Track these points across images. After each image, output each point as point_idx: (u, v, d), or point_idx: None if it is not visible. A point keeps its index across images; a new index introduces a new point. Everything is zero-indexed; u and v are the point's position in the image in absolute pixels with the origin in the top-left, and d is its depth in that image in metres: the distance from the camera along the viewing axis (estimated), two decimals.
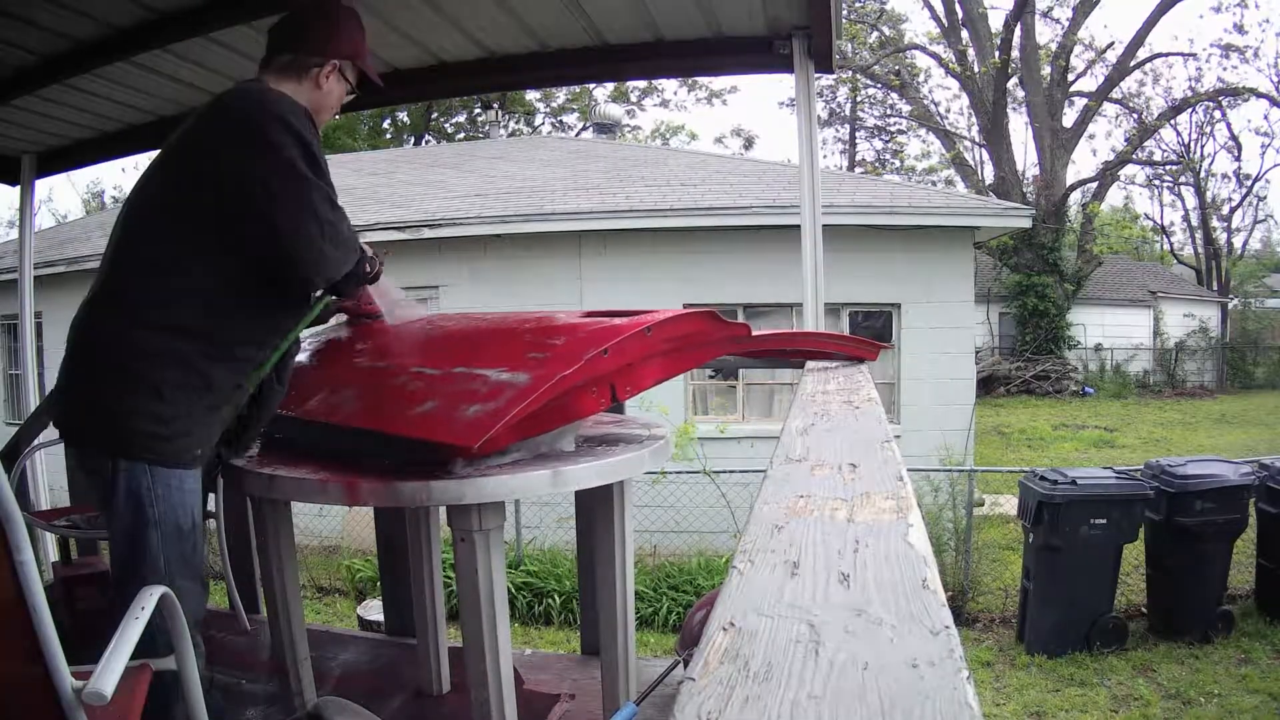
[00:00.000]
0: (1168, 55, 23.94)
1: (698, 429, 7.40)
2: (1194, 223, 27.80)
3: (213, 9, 2.72)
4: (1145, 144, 23.36)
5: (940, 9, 22.07)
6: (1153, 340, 21.82)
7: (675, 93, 28.66)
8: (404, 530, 2.34)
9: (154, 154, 1.74)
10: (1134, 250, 28.23)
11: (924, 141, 30.70)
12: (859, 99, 28.58)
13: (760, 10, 2.87)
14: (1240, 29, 24.34)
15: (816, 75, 3.02)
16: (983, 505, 7.95)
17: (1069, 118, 21.80)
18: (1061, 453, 12.56)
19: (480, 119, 23.54)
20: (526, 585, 6.72)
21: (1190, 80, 24.35)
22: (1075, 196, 22.21)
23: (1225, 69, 30.24)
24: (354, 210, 9.94)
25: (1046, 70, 21.08)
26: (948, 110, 26.63)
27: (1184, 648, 5.44)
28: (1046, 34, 22.30)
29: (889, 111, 29.25)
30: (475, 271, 8.81)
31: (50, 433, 3.25)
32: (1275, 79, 25.99)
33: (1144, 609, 5.91)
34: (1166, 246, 30.72)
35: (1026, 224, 10.17)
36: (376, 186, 11.25)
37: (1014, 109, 21.84)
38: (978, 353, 15.88)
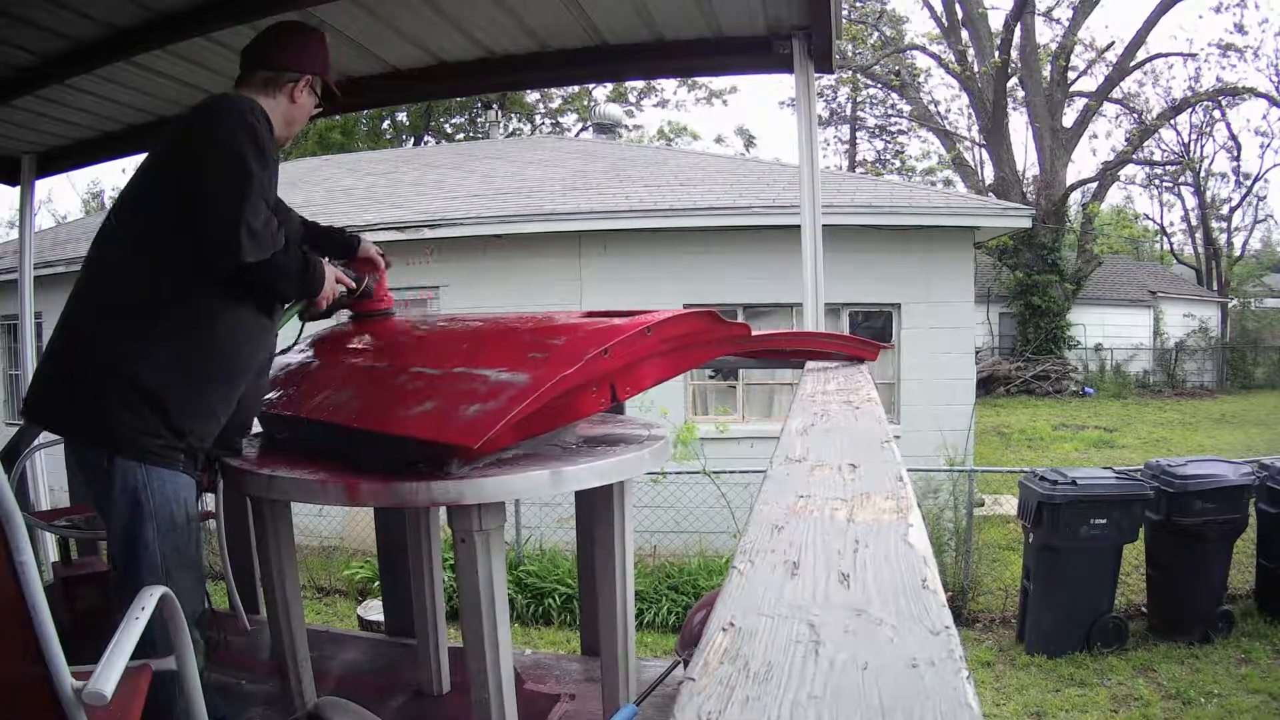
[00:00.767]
0: (1168, 55, 24.05)
1: (698, 429, 7.40)
2: (1194, 223, 27.82)
3: (213, 9, 2.72)
4: (1145, 144, 23.37)
5: (940, 9, 22.09)
6: (1153, 340, 21.81)
7: (675, 93, 28.70)
8: (404, 530, 2.34)
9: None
10: (1134, 250, 28.24)
11: (924, 141, 30.73)
12: (859, 99, 28.60)
13: (760, 10, 2.87)
14: (1240, 29, 24.38)
15: (816, 75, 3.02)
16: (983, 505, 7.95)
17: (1069, 118, 21.81)
18: (1061, 453, 12.56)
19: (480, 119, 23.54)
20: (526, 585, 6.72)
21: (1190, 80, 24.37)
22: (1075, 196, 22.23)
23: (1225, 69, 30.26)
24: (354, 211, 9.99)
25: (1046, 70, 21.08)
26: (948, 110, 26.64)
27: (1184, 648, 5.44)
28: (1046, 34, 22.34)
29: (889, 111, 29.28)
30: (475, 271, 8.81)
31: (50, 433, 3.26)
32: (1275, 79, 25.99)
33: (1144, 609, 5.91)
34: (1166, 246, 30.74)
35: (1026, 224, 10.17)
36: (376, 186, 11.26)
37: (1014, 109, 21.86)
38: (978, 353, 15.88)
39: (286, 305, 1.87)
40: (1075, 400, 18.46)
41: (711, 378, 8.85)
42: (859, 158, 30.45)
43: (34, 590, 1.18)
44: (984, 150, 22.58)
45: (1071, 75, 21.85)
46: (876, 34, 23.46)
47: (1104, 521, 5.25)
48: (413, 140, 26.12)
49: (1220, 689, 4.91)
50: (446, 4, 2.85)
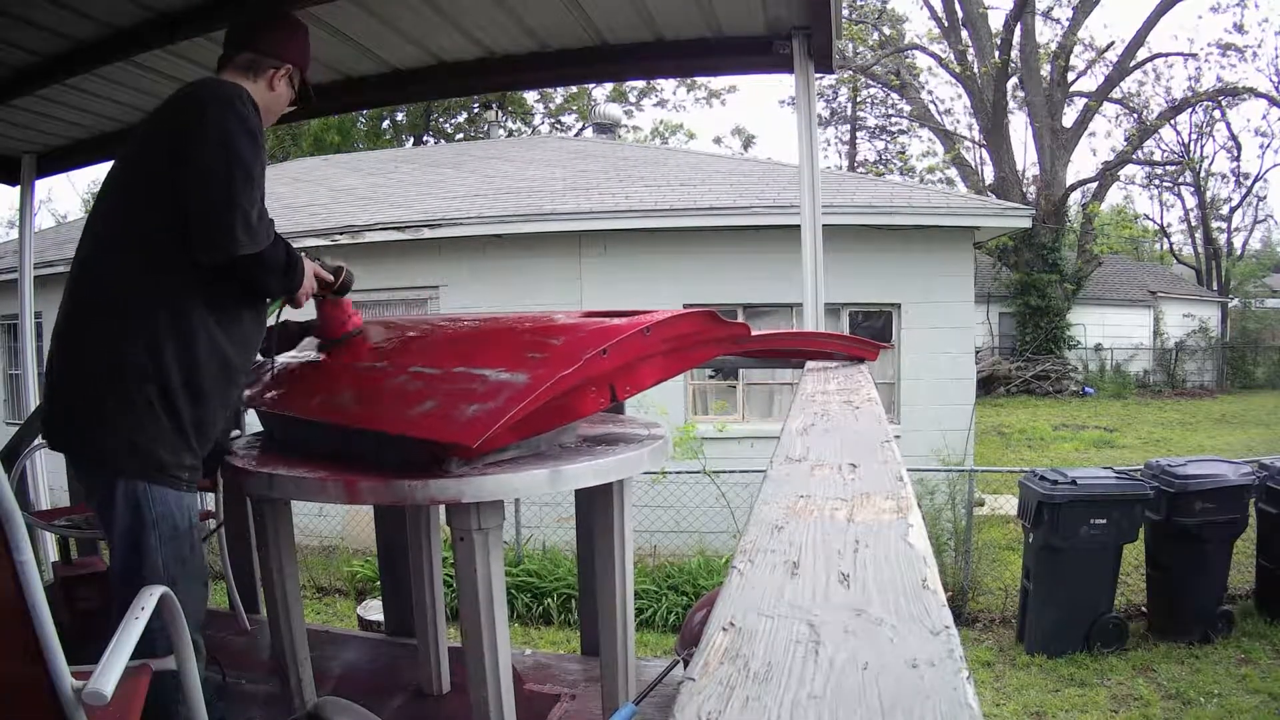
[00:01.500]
0: (1167, 55, 24.04)
1: (698, 429, 7.40)
2: (1194, 223, 27.84)
3: (213, 9, 2.72)
4: (1145, 144, 23.37)
5: (940, 9, 22.08)
6: (1153, 340, 21.82)
7: (674, 92, 28.70)
8: (404, 530, 2.34)
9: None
10: (1134, 250, 28.24)
11: (924, 141, 30.71)
12: (859, 99, 28.60)
13: (760, 10, 2.87)
14: (1240, 29, 24.38)
15: (816, 75, 3.02)
16: (983, 505, 7.95)
17: (1069, 118, 21.82)
18: (1061, 453, 12.56)
19: (480, 119, 23.54)
20: (526, 585, 6.71)
21: (1190, 80, 24.35)
22: (1075, 196, 22.23)
23: (1225, 69, 30.24)
24: (354, 211, 9.99)
25: (1046, 70, 21.08)
26: (948, 110, 26.67)
27: (1184, 648, 5.44)
28: (1046, 34, 22.34)
29: (889, 111, 29.28)
30: (475, 271, 8.81)
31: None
32: (1275, 79, 25.98)
33: (1144, 609, 5.91)
34: (1166, 246, 30.74)
35: (1026, 224, 10.17)
36: (376, 186, 11.26)
37: (1014, 109, 21.86)
38: (978, 353, 15.88)
39: (269, 302, 1.83)
40: (1075, 400, 18.46)
41: (711, 377, 8.85)
42: (859, 158, 30.46)
43: (34, 590, 1.18)
44: (984, 150, 22.59)
45: (1071, 75, 21.86)
46: (876, 34, 23.46)
47: (1104, 521, 5.25)
48: (413, 140, 26.12)
49: (1220, 689, 4.90)
50: (446, 4, 2.85)
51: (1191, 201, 27.21)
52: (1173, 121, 23.74)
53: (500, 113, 23.41)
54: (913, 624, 0.64)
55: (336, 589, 7.27)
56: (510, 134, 22.90)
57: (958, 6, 21.43)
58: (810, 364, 2.47)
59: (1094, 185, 22.60)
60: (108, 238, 1.64)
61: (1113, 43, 22.44)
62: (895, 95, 26.49)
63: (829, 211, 6.70)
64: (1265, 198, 40.21)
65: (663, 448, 1.79)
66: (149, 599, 1.35)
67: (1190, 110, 23.62)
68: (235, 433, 2.03)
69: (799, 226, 3.01)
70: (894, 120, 29.54)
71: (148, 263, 1.59)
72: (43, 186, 11.66)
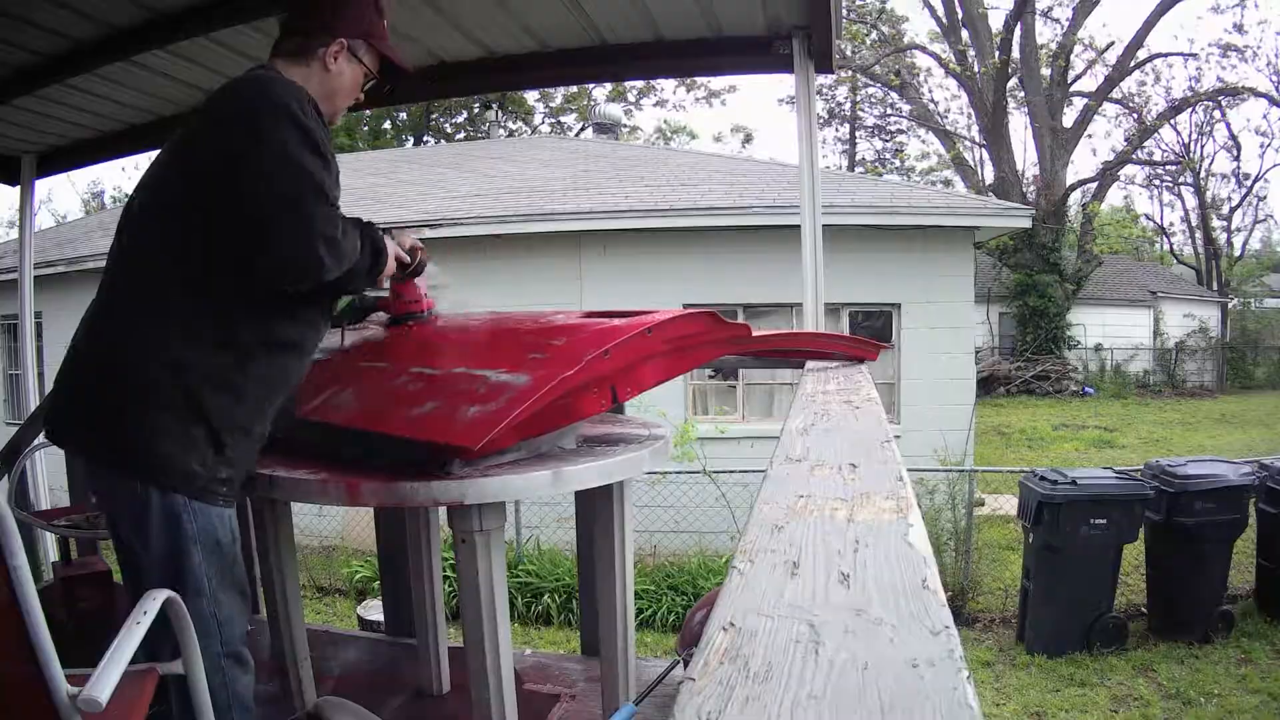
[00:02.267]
0: (1167, 55, 23.95)
1: (698, 429, 7.40)
2: (1194, 223, 27.82)
3: (213, 9, 2.72)
4: (1145, 144, 23.36)
5: (940, 9, 22.09)
6: (1153, 340, 21.82)
7: (674, 92, 28.69)
8: (404, 530, 2.34)
9: (155, 153, 1.66)
10: (1134, 250, 28.22)
11: (924, 141, 30.73)
12: (859, 99, 28.59)
13: (760, 10, 2.87)
14: (1240, 29, 24.38)
15: (816, 75, 3.02)
16: (983, 505, 7.95)
17: (1069, 118, 21.81)
18: (1061, 453, 12.56)
19: (480, 119, 23.54)
20: (526, 585, 6.72)
21: (1190, 80, 24.35)
22: (1075, 196, 22.23)
23: (1225, 69, 30.22)
24: (354, 211, 9.94)
25: (1046, 70, 21.08)
26: (948, 110, 26.63)
27: (1184, 648, 5.44)
28: (1046, 34, 22.33)
29: (889, 111, 29.27)
30: (475, 271, 8.81)
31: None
32: (1275, 79, 25.97)
33: (1144, 609, 5.91)
34: (1166, 246, 30.73)
35: (1026, 224, 10.17)
36: (376, 186, 11.26)
37: (1014, 109, 21.86)
38: (978, 353, 15.88)
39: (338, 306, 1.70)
40: (1075, 400, 18.46)
41: (711, 378, 8.85)
42: (859, 157, 30.47)
43: (28, 595, 1.16)
44: (984, 150, 22.59)
45: (1071, 75, 21.85)
46: (876, 33, 23.46)
47: (1104, 521, 5.25)
48: (413, 140, 26.12)
49: (1220, 689, 4.90)
50: (446, 4, 2.85)
51: (1191, 201, 27.22)
52: (1173, 121, 23.74)
53: (500, 113, 23.42)
54: (913, 624, 0.65)
55: (336, 589, 7.27)
56: (510, 134, 22.90)
57: (958, 6, 21.43)
58: (810, 364, 2.47)
59: (1094, 185, 22.61)
60: (148, 234, 1.51)
61: (1113, 43, 22.47)
62: (895, 95, 26.51)
63: (829, 211, 6.70)
64: (1265, 198, 40.15)
65: (663, 448, 1.79)
66: (152, 604, 1.32)
67: (1190, 110, 23.63)
68: None
69: (799, 226, 3.01)
70: (893, 120, 29.56)
71: (190, 266, 1.45)
72: (43, 186, 11.65)
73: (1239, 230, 28.11)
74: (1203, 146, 25.41)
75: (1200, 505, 5.33)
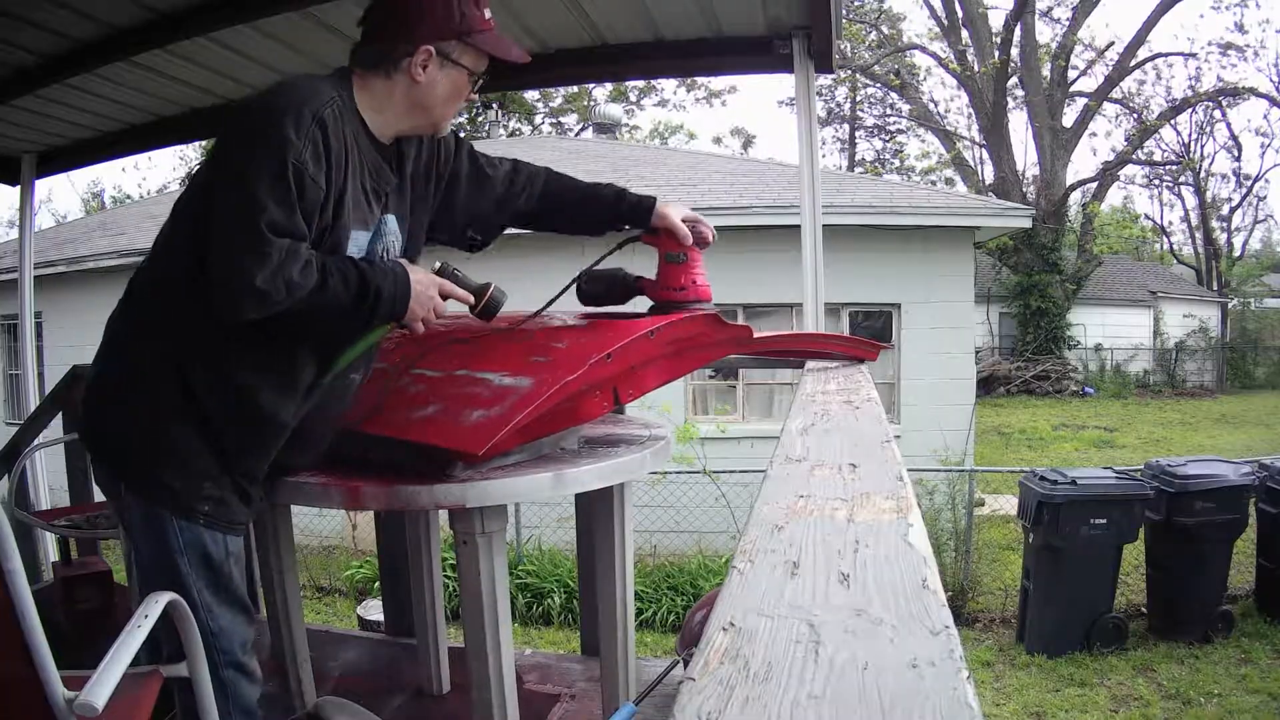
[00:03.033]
0: (1168, 55, 23.98)
1: (698, 429, 7.40)
2: (1194, 223, 27.82)
3: (213, 9, 2.72)
4: (1145, 144, 23.36)
5: (940, 9, 22.08)
6: (1153, 340, 21.81)
7: (674, 92, 28.68)
8: (404, 530, 2.34)
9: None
10: (1134, 250, 28.23)
11: (924, 141, 30.71)
12: (858, 99, 28.59)
13: (760, 10, 2.87)
14: (1240, 28, 24.38)
15: (816, 75, 3.02)
16: (983, 505, 7.95)
17: (1069, 118, 21.82)
18: (1061, 453, 12.56)
19: (480, 119, 23.54)
20: (526, 585, 6.72)
21: (1190, 80, 24.35)
22: (1075, 196, 22.22)
23: (1225, 69, 30.23)
24: None
25: (1046, 70, 21.08)
26: (947, 110, 26.64)
27: (1184, 648, 5.44)
28: (1046, 34, 22.33)
29: (889, 111, 29.27)
30: (475, 272, 8.80)
31: (50, 432, 3.26)
32: (1275, 79, 26.00)
33: (1144, 609, 5.91)
34: (1166, 246, 30.73)
35: (1026, 224, 10.18)
36: None
37: (1014, 109, 21.86)
38: (978, 353, 15.88)
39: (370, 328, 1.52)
40: (1075, 400, 18.46)
41: (711, 378, 8.85)
42: (858, 157, 30.45)
43: (23, 599, 1.15)
44: (984, 150, 22.59)
45: (1071, 75, 21.86)
46: (875, 33, 23.46)
47: (1104, 521, 5.24)
48: None
49: (1220, 689, 4.90)
50: None
51: (1191, 201, 27.22)
52: (1173, 121, 23.74)
53: (500, 113, 23.41)
54: (913, 624, 0.65)
55: (336, 589, 7.27)
56: (510, 134, 22.89)
57: (958, 6, 21.43)
58: (810, 364, 2.47)
59: (1094, 185, 22.61)
60: (163, 245, 1.46)
61: (1113, 42, 22.47)
62: (895, 95, 26.51)
63: (829, 211, 6.70)
64: (1265, 198, 40.19)
65: (664, 449, 1.79)
66: (154, 607, 1.31)
67: (1190, 110, 23.62)
68: None
69: (799, 226, 3.01)
70: (893, 120, 29.56)
71: (190, 288, 1.36)
72: (43, 186, 11.64)
73: (1239, 230, 28.15)
74: (1203, 146, 25.43)
75: (1200, 505, 5.33)
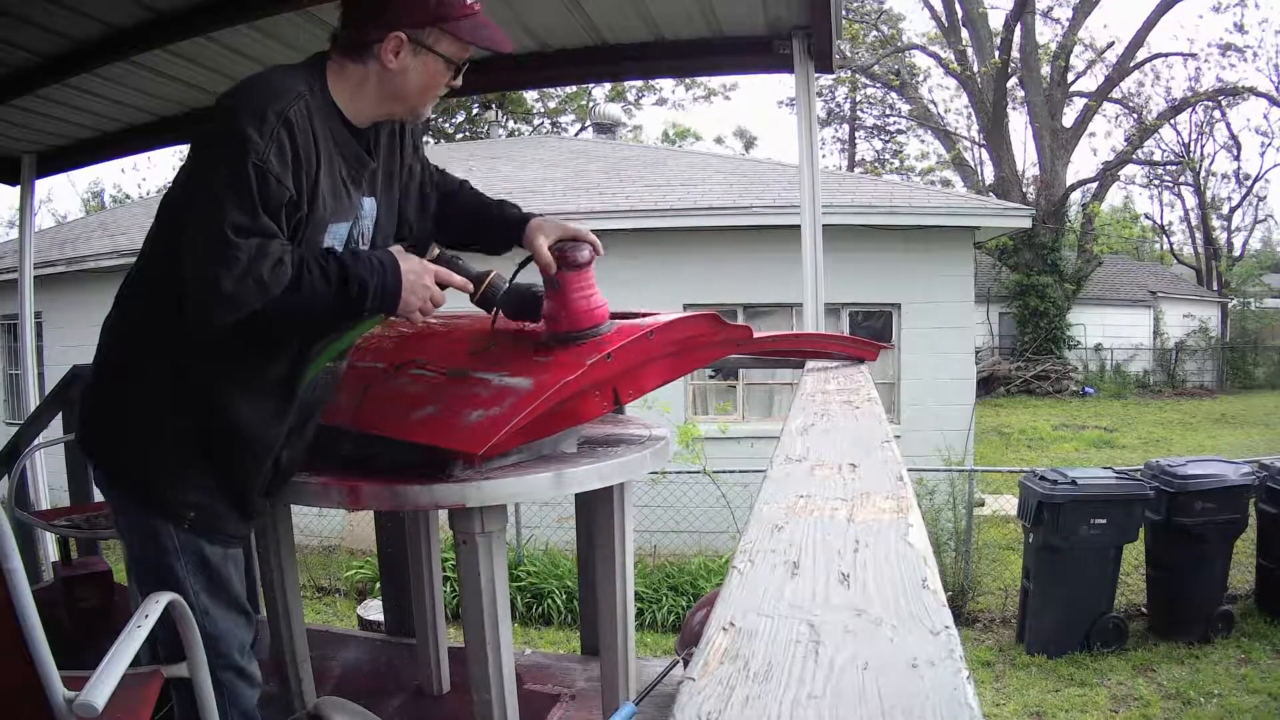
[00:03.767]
0: (1167, 55, 23.96)
1: (698, 429, 7.41)
2: (1194, 223, 27.82)
3: (213, 9, 2.72)
4: (1145, 144, 23.37)
5: (940, 9, 22.08)
6: (1153, 340, 21.81)
7: (674, 91, 28.67)
8: (404, 531, 2.34)
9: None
10: (1134, 250, 28.23)
11: (924, 141, 30.71)
12: (858, 99, 28.59)
13: (760, 10, 2.87)
14: (1240, 28, 24.38)
15: (816, 75, 3.02)
16: (983, 505, 7.95)
17: (1069, 118, 21.82)
18: (1061, 453, 12.56)
19: (480, 119, 23.54)
20: (526, 586, 6.72)
21: (1190, 80, 24.35)
22: (1075, 196, 22.22)
23: (1225, 69, 30.23)
24: None
25: (1046, 70, 21.08)
26: (947, 110, 26.63)
27: (1184, 648, 5.44)
28: (1046, 34, 22.32)
29: (888, 111, 29.26)
30: None
31: (50, 432, 3.26)
32: (1275, 79, 25.99)
33: (1144, 609, 5.91)
34: (1166, 246, 30.73)
35: (1026, 224, 10.18)
36: None
37: (1014, 109, 21.86)
38: (978, 353, 15.88)
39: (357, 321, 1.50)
40: (1075, 400, 18.46)
41: (711, 378, 8.85)
42: (858, 157, 30.45)
43: (24, 599, 1.15)
44: (984, 150, 22.59)
45: (1071, 75, 21.86)
46: (875, 33, 23.46)
47: (1104, 521, 5.24)
48: None
49: (1220, 689, 4.90)
50: None
51: (1191, 201, 27.23)
52: (1173, 121, 23.75)
53: (500, 113, 23.40)
54: (913, 624, 0.65)
55: (336, 589, 7.27)
56: (510, 134, 22.89)
57: (958, 6, 21.43)
58: (810, 364, 2.47)
59: (1094, 185, 22.61)
60: (147, 250, 1.45)
61: (1113, 43, 22.47)
62: (895, 95, 26.50)
63: (829, 211, 6.70)
64: (1265, 198, 40.06)
65: (664, 449, 1.79)
66: (154, 607, 1.32)
67: (1190, 110, 23.63)
68: None
69: (799, 226, 3.01)
70: (893, 120, 29.55)
71: (172, 294, 1.33)
72: (43, 186, 11.63)
73: (1239, 230, 28.14)
74: (1203, 146, 25.44)
75: (1200, 505, 5.33)
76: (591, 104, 22.49)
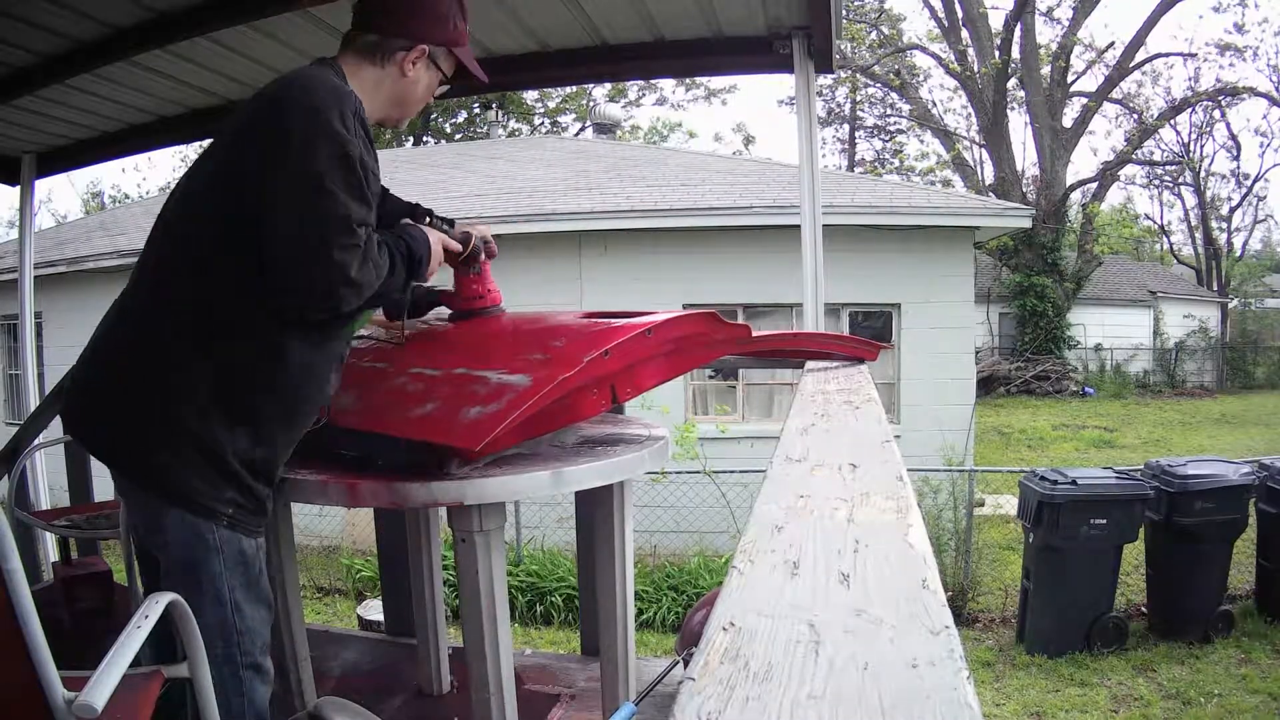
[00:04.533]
0: (1167, 55, 23.98)
1: (698, 429, 7.41)
2: (1194, 223, 27.82)
3: (213, 9, 2.72)
4: (1145, 144, 23.37)
5: (940, 9, 22.08)
6: (1153, 340, 21.81)
7: (674, 91, 28.67)
8: (404, 530, 2.35)
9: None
10: (1134, 250, 28.23)
11: (924, 141, 30.70)
12: (858, 99, 28.58)
13: (760, 10, 2.87)
14: (1240, 29, 24.37)
15: (816, 75, 3.02)
16: (983, 505, 7.95)
17: (1069, 118, 21.81)
18: (1061, 453, 12.56)
19: (480, 119, 23.53)
20: (526, 585, 6.72)
21: (1189, 80, 24.36)
22: (1075, 196, 22.20)
23: (1225, 69, 30.24)
24: None
25: (1046, 70, 21.08)
26: (947, 110, 26.63)
27: (1184, 648, 5.44)
28: (1046, 34, 22.31)
29: (888, 111, 29.25)
30: None
31: (50, 432, 3.26)
32: (1275, 79, 25.99)
33: (1144, 609, 5.91)
34: (1166, 246, 30.73)
35: (1026, 224, 10.18)
36: None
37: (1014, 109, 21.86)
38: (978, 353, 15.88)
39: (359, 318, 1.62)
40: (1075, 400, 18.46)
41: (711, 377, 8.85)
42: (858, 157, 30.44)
43: (23, 598, 1.15)
44: (984, 150, 22.59)
45: (1071, 75, 21.86)
46: (876, 33, 23.46)
47: (1104, 521, 5.24)
48: (412, 140, 26.11)
49: (1220, 689, 4.90)
50: None
51: (1191, 201, 27.23)
52: (1172, 121, 23.75)
53: (500, 113, 23.40)
54: (913, 624, 0.65)
55: (336, 589, 7.27)
56: (510, 134, 22.90)
57: (958, 6, 21.43)
58: (810, 364, 2.47)
59: (1094, 185, 22.60)
60: (176, 246, 1.45)
61: (1113, 43, 22.46)
62: (895, 95, 26.50)
63: (829, 211, 6.70)
64: (1265, 198, 40.06)
65: (663, 448, 1.79)
66: (155, 607, 1.30)
67: (1190, 110, 23.62)
68: None
69: (799, 226, 3.01)
70: (893, 120, 29.54)
71: (210, 283, 1.37)
72: (43, 186, 11.63)
73: (1239, 230, 28.13)
74: (1202, 146, 25.43)
75: (1200, 505, 5.33)
76: (591, 104, 22.49)
